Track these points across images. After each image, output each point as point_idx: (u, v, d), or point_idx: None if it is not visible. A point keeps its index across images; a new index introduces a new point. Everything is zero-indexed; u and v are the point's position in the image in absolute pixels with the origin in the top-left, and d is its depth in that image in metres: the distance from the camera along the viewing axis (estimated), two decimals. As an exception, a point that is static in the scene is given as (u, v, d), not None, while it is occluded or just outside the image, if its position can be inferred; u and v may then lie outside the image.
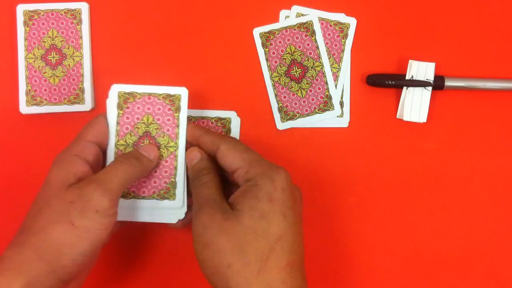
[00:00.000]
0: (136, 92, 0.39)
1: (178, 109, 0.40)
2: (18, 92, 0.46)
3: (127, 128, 0.39)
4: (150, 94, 0.40)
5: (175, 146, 0.40)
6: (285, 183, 0.35)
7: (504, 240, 0.47)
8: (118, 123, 0.39)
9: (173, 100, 0.40)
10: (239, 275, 0.32)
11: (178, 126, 0.40)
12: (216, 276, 0.33)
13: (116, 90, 0.39)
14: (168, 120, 0.40)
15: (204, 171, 0.38)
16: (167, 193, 0.40)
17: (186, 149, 0.40)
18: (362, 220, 0.47)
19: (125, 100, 0.39)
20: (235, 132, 0.45)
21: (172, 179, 0.40)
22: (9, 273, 0.31)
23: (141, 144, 0.39)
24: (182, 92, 0.40)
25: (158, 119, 0.40)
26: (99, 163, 0.38)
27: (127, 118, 0.39)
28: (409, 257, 0.47)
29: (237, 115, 0.46)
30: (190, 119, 0.42)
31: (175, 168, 0.40)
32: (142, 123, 0.40)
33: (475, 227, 0.47)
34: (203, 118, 0.45)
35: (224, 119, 0.43)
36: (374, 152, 0.47)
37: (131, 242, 0.46)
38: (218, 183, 0.37)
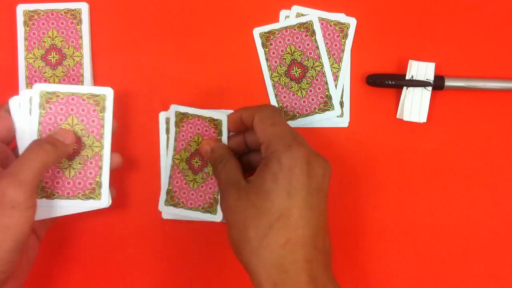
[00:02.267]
0: (59, 92, 0.39)
1: (103, 109, 0.39)
2: (18, 92, 0.46)
3: (49, 130, 0.39)
4: (73, 94, 0.39)
5: (100, 146, 0.40)
6: (295, 161, 0.34)
7: (504, 240, 0.47)
8: (40, 123, 0.39)
9: (97, 100, 0.39)
10: (243, 252, 0.34)
11: (103, 126, 0.40)
12: (235, 252, 0.35)
13: (38, 89, 0.39)
14: (93, 121, 0.39)
15: (218, 159, 0.40)
16: (93, 193, 0.40)
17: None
18: (362, 219, 0.47)
19: (47, 99, 0.39)
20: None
21: (98, 179, 0.40)
22: None
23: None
24: (107, 92, 0.40)
25: (83, 120, 0.39)
26: (7, 158, 0.37)
27: (50, 119, 0.39)
28: (409, 257, 0.47)
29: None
30: (184, 118, 0.43)
31: (100, 168, 0.40)
32: (67, 124, 0.39)
33: (475, 227, 0.47)
34: (199, 117, 0.44)
35: (216, 120, 0.43)
36: (374, 152, 0.47)
37: (125, 241, 0.46)
38: (234, 166, 0.39)
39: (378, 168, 0.47)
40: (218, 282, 0.46)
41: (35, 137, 0.39)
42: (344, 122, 0.47)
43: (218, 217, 0.43)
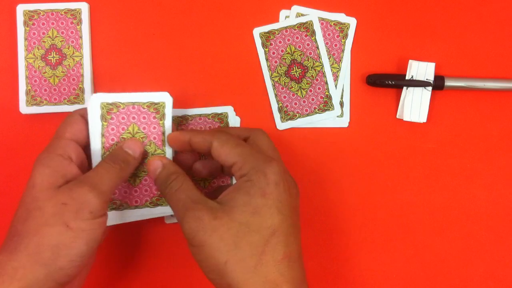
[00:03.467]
0: (120, 102, 0.39)
1: (163, 117, 0.39)
2: (18, 92, 0.46)
3: (112, 140, 0.39)
4: (134, 103, 0.39)
5: (163, 153, 0.39)
6: (279, 176, 0.34)
7: (504, 240, 0.47)
8: (103, 135, 0.39)
9: (157, 108, 0.39)
10: (236, 271, 0.32)
11: (163, 133, 0.39)
12: (214, 274, 0.33)
13: (98, 101, 0.38)
14: (154, 128, 0.39)
15: (173, 176, 0.37)
16: (160, 200, 0.40)
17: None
18: (362, 220, 0.47)
19: (108, 111, 0.39)
20: (234, 125, 0.45)
21: None
22: (3, 279, 0.31)
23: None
24: (166, 100, 0.39)
25: (144, 128, 0.39)
26: (82, 161, 0.38)
27: (112, 129, 0.39)
28: (409, 257, 0.47)
29: (234, 110, 0.46)
30: (173, 128, 0.41)
31: None
32: (128, 133, 0.39)
33: (475, 227, 0.47)
34: (200, 115, 0.45)
35: (221, 114, 0.42)
36: (374, 152, 0.47)
37: (127, 242, 0.46)
38: (192, 184, 0.36)
39: (378, 168, 0.47)
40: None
41: (99, 151, 0.38)
42: (344, 122, 0.47)
43: (170, 209, 0.38)
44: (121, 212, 0.39)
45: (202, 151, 0.38)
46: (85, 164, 0.38)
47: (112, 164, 0.36)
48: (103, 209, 0.34)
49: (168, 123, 0.39)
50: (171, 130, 0.39)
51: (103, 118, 0.38)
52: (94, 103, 0.38)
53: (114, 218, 0.39)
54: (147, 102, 0.39)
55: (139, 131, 0.39)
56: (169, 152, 0.39)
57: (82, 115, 0.39)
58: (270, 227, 0.33)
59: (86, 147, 0.39)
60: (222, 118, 0.42)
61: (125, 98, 0.39)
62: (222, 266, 0.32)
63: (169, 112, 0.39)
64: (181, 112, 0.41)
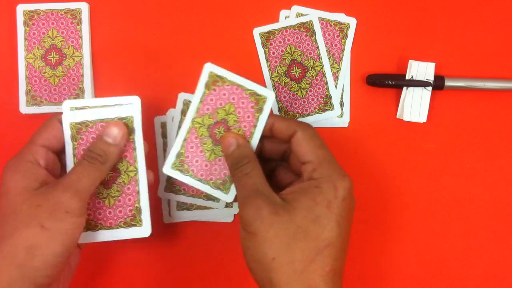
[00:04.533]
0: (88, 121, 0.38)
1: (132, 131, 0.38)
2: (18, 92, 0.46)
3: (83, 150, 0.38)
4: (102, 120, 0.38)
5: (135, 171, 0.38)
6: (347, 192, 0.34)
7: (504, 240, 0.47)
8: (74, 155, 0.38)
9: (126, 123, 0.38)
10: (282, 270, 0.32)
11: (134, 149, 0.38)
12: (258, 265, 0.33)
13: (67, 121, 0.38)
14: (124, 145, 0.38)
15: (245, 159, 0.36)
16: (134, 220, 0.39)
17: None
18: (362, 220, 0.47)
19: (77, 131, 0.38)
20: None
21: (137, 205, 0.38)
22: None
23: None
24: (134, 113, 0.38)
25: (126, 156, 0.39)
26: (53, 166, 0.38)
27: (83, 150, 0.38)
28: (409, 257, 0.47)
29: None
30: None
31: (138, 193, 0.38)
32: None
33: (475, 227, 0.47)
34: (238, 86, 0.39)
35: (260, 95, 0.38)
36: (374, 152, 0.47)
37: (123, 242, 0.46)
38: (261, 173, 0.36)
39: (378, 168, 0.47)
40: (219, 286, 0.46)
41: (71, 160, 0.38)
42: (344, 122, 0.47)
43: (229, 197, 0.39)
44: (95, 233, 0.38)
45: (282, 137, 0.38)
46: (57, 169, 0.38)
47: (90, 160, 0.36)
48: (79, 208, 0.34)
49: (138, 137, 0.38)
50: (142, 145, 0.38)
51: (73, 138, 0.38)
52: (65, 108, 0.38)
53: (88, 238, 0.38)
54: (115, 117, 0.38)
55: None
56: (141, 169, 0.38)
57: (59, 120, 0.38)
58: (326, 239, 0.33)
59: (61, 152, 0.38)
60: (258, 100, 0.39)
61: (93, 116, 0.38)
62: (268, 260, 0.32)
63: (138, 125, 0.38)
64: (221, 71, 0.38)
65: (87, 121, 0.38)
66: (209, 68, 0.38)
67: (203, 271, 0.46)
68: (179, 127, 0.38)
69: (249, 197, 0.34)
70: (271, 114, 0.38)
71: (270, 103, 0.38)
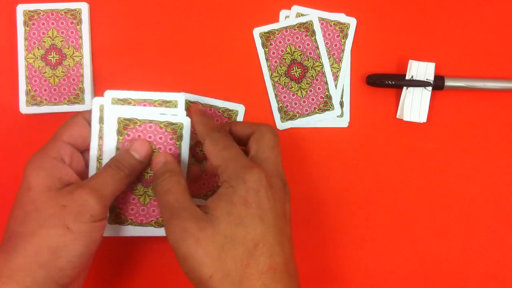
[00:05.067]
0: (137, 119, 0.38)
1: (180, 138, 0.39)
2: (18, 92, 0.46)
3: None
4: (151, 122, 0.38)
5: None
6: (259, 183, 0.33)
7: (504, 240, 0.47)
8: (118, 149, 0.38)
9: (175, 128, 0.39)
10: (221, 286, 0.31)
11: (179, 154, 0.39)
12: (200, 287, 0.32)
13: (115, 115, 0.38)
14: (170, 149, 0.39)
15: (167, 173, 0.36)
16: None
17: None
18: (362, 219, 0.47)
19: (124, 126, 0.38)
20: None
21: None
22: (1, 281, 0.31)
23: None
24: (185, 120, 0.39)
25: (160, 148, 0.39)
26: (78, 164, 0.38)
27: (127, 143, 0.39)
28: (409, 257, 0.47)
29: (239, 108, 0.45)
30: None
31: None
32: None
33: (475, 227, 0.47)
34: (211, 106, 0.44)
35: (231, 111, 0.41)
36: (374, 152, 0.47)
37: (128, 243, 0.46)
38: (184, 187, 0.35)
39: (378, 168, 0.47)
40: None
41: (113, 153, 0.38)
42: (344, 122, 0.47)
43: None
44: (123, 227, 0.39)
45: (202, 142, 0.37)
46: (82, 167, 0.38)
47: (116, 169, 0.36)
48: (103, 213, 0.35)
49: (185, 143, 0.39)
50: (187, 148, 0.39)
51: (119, 133, 0.38)
52: (110, 117, 0.38)
53: (115, 231, 0.39)
54: (164, 121, 0.38)
55: (155, 149, 0.39)
56: (183, 172, 0.38)
57: (85, 117, 0.38)
58: (253, 239, 0.32)
59: (86, 150, 0.39)
60: (175, 129, 0.39)
61: (141, 115, 0.38)
62: (206, 279, 0.31)
63: (186, 134, 0.39)
64: (124, 110, 0.39)
65: (136, 118, 0.38)
66: (114, 113, 0.38)
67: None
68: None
69: (172, 218, 0.33)
70: (199, 114, 0.39)
71: (188, 127, 0.39)
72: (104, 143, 0.38)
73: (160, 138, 0.39)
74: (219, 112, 0.41)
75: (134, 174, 0.38)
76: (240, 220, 0.32)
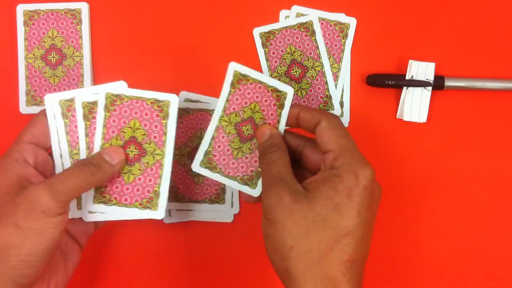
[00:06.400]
0: (124, 95, 0.38)
1: (166, 116, 0.38)
2: (18, 92, 0.46)
3: (113, 132, 0.38)
4: (138, 98, 0.38)
5: (162, 154, 0.38)
6: (369, 181, 0.34)
7: (504, 240, 0.47)
8: (104, 125, 0.38)
9: (161, 106, 0.38)
10: (299, 259, 0.32)
11: (165, 133, 0.38)
12: (277, 254, 0.33)
13: (103, 91, 0.38)
14: (156, 126, 0.38)
15: (274, 148, 0.37)
16: (150, 203, 0.38)
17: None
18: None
19: (112, 102, 0.38)
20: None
21: (156, 189, 0.38)
22: None
23: (127, 150, 0.38)
24: (172, 99, 0.38)
25: (145, 125, 0.38)
26: (43, 162, 0.37)
27: (114, 121, 0.38)
28: (409, 257, 0.47)
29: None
30: (184, 113, 0.41)
31: (160, 177, 0.38)
32: (129, 127, 0.38)
33: (475, 227, 0.47)
34: (201, 110, 0.43)
35: (281, 92, 0.39)
36: (374, 152, 0.47)
37: (124, 242, 0.46)
38: (288, 162, 0.36)
39: (378, 168, 0.47)
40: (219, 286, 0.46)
41: (99, 140, 0.38)
42: (344, 122, 0.47)
43: (256, 191, 0.39)
44: (107, 209, 0.38)
45: (307, 126, 0.38)
46: (48, 166, 0.38)
47: (81, 166, 0.35)
48: (58, 208, 0.33)
49: (171, 123, 0.38)
50: (174, 132, 0.38)
51: (106, 108, 0.38)
52: (100, 94, 0.38)
53: (98, 215, 0.38)
54: (151, 98, 0.38)
55: (140, 127, 0.38)
56: (169, 155, 0.38)
57: (45, 115, 0.38)
58: (345, 227, 0.32)
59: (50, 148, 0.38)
60: (279, 96, 0.39)
61: (130, 92, 0.38)
62: (286, 249, 0.32)
63: (173, 112, 0.38)
64: (244, 70, 0.39)
65: (123, 94, 0.38)
66: (233, 67, 0.39)
67: (203, 271, 0.46)
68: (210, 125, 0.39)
69: (272, 185, 0.34)
70: (297, 104, 0.39)
71: (290, 98, 0.39)
72: (96, 120, 0.38)
73: (146, 114, 0.38)
74: (268, 92, 0.39)
75: (102, 175, 0.36)
76: (338, 207, 0.33)
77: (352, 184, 0.33)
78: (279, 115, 0.39)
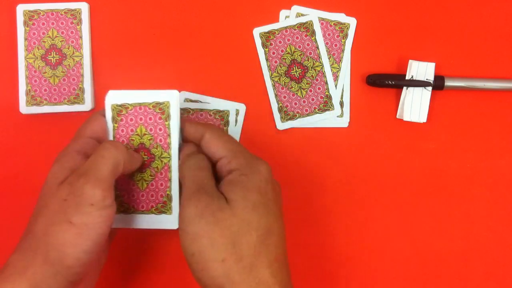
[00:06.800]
0: (128, 104, 0.38)
1: (168, 117, 0.38)
2: (18, 92, 0.46)
3: (123, 142, 0.38)
4: (140, 104, 0.38)
5: (168, 157, 0.38)
6: (268, 175, 0.34)
7: (504, 240, 0.47)
8: (114, 137, 0.38)
9: (162, 108, 0.38)
10: (232, 271, 0.31)
11: (169, 135, 0.38)
12: (208, 272, 0.31)
13: (109, 103, 0.38)
14: (160, 129, 0.38)
15: (200, 155, 0.36)
16: (164, 207, 0.38)
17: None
18: (362, 220, 0.47)
19: (118, 112, 0.38)
20: (238, 124, 0.45)
21: (168, 192, 0.38)
22: (13, 278, 0.31)
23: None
24: (171, 97, 0.38)
25: (151, 130, 0.38)
26: None
27: (122, 131, 0.38)
28: (409, 257, 0.47)
29: (240, 107, 0.45)
30: (184, 113, 0.41)
31: (170, 180, 0.38)
32: (136, 135, 0.38)
33: (475, 227, 0.47)
34: (201, 110, 0.44)
35: (222, 111, 0.41)
36: (374, 152, 0.47)
37: (134, 246, 0.46)
38: (211, 168, 0.36)
39: (378, 168, 0.47)
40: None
41: None
42: (344, 122, 0.47)
43: (173, 218, 0.38)
44: (127, 216, 0.39)
45: (194, 141, 0.38)
46: None
47: (110, 146, 0.34)
48: (105, 198, 0.32)
49: (173, 123, 0.38)
50: (177, 132, 0.38)
51: (114, 120, 0.38)
52: (107, 105, 0.38)
53: (121, 221, 0.38)
54: (153, 102, 0.38)
55: (146, 132, 0.39)
56: (174, 156, 0.38)
57: (103, 114, 0.38)
58: (265, 226, 0.32)
59: None
60: (163, 108, 0.39)
61: (132, 99, 0.38)
62: (217, 265, 0.31)
63: (174, 111, 0.38)
64: (120, 98, 0.39)
65: (127, 103, 0.38)
66: (110, 101, 0.38)
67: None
68: None
69: (197, 192, 0.33)
70: (182, 119, 0.39)
71: (175, 104, 0.38)
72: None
73: (150, 119, 0.38)
74: (150, 109, 0.39)
75: (129, 157, 0.36)
76: (255, 206, 0.32)
77: (258, 179, 0.33)
78: (168, 127, 0.38)
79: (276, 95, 0.47)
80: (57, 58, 0.46)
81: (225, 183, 0.34)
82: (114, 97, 0.38)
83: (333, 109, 0.47)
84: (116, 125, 0.38)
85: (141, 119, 0.38)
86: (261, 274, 0.31)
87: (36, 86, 0.46)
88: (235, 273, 0.31)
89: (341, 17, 0.47)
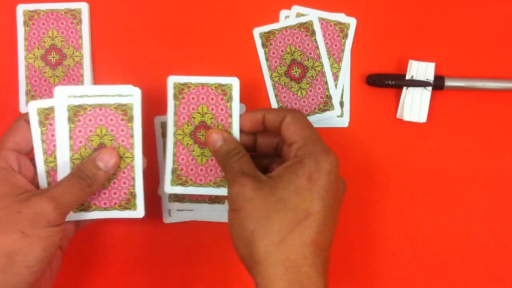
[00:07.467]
0: (86, 104, 0.38)
1: (131, 119, 0.38)
2: (18, 92, 0.46)
3: (80, 142, 0.38)
4: (100, 105, 0.38)
5: (131, 157, 0.38)
6: (331, 167, 0.34)
7: (504, 240, 0.47)
8: (70, 137, 0.38)
9: (125, 109, 0.38)
10: (260, 242, 0.32)
11: (132, 136, 0.38)
12: (240, 240, 0.33)
13: (64, 103, 0.38)
14: (122, 130, 0.38)
15: (233, 151, 0.37)
16: (128, 204, 0.39)
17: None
18: (362, 220, 0.47)
19: (75, 113, 0.38)
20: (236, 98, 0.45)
21: (131, 190, 0.39)
22: None
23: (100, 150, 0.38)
24: (134, 101, 0.38)
25: (112, 130, 0.38)
26: (27, 170, 0.38)
27: (79, 131, 0.38)
28: (409, 257, 0.47)
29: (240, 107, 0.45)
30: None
31: (133, 178, 0.39)
32: (96, 135, 0.38)
33: (475, 227, 0.47)
34: (202, 85, 0.43)
35: (225, 85, 0.40)
36: (374, 152, 0.47)
37: (124, 243, 0.46)
38: (250, 160, 0.37)
39: (378, 168, 0.47)
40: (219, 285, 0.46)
41: (67, 152, 0.38)
42: (344, 122, 0.47)
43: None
44: (88, 215, 0.39)
45: (274, 127, 0.38)
46: (31, 172, 0.38)
47: (79, 179, 0.36)
48: (60, 219, 0.35)
49: (137, 125, 0.38)
50: (140, 133, 0.38)
51: (70, 120, 0.38)
52: (59, 105, 0.38)
53: (80, 216, 0.39)
54: (114, 103, 0.38)
55: (107, 133, 0.38)
56: (138, 156, 0.38)
57: (27, 120, 0.38)
58: (306, 210, 0.33)
59: (31, 152, 0.38)
60: (225, 90, 0.40)
61: (91, 101, 0.38)
62: (248, 234, 0.33)
63: (137, 113, 0.38)
64: (183, 79, 0.39)
65: (85, 104, 0.38)
66: (172, 80, 0.39)
67: (203, 271, 0.46)
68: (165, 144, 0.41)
69: (235, 177, 0.35)
70: (262, 108, 0.39)
71: (237, 88, 0.39)
72: (56, 133, 0.38)
73: (111, 120, 0.38)
74: (212, 89, 0.39)
75: (97, 185, 0.37)
76: (299, 191, 0.33)
77: (313, 169, 0.34)
78: (230, 108, 0.39)
79: (276, 95, 0.47)
80: (57, 58, 0.46)
81: (281, 168, 0.35)
82: (69, 100, 0.38)
83: (333, 109, 0.47)
84: (73, 125, 0.38)
85: (101, 120, 0.38)
86: (290, 252, 0.32)
87: (36, 86, 0.46)
88: (262, 245, 0.32)
89: (341, 17, 0.47)
